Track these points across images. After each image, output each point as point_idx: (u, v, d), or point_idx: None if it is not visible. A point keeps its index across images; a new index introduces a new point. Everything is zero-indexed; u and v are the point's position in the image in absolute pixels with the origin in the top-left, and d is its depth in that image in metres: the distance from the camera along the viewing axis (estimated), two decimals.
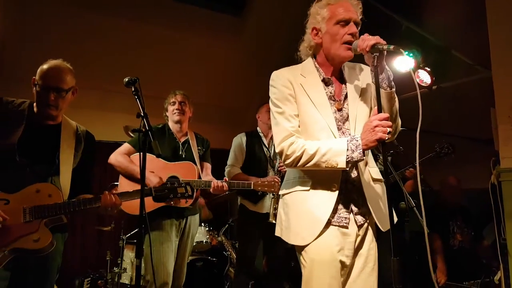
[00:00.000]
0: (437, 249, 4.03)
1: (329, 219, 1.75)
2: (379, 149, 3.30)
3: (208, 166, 3.32)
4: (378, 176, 1.92)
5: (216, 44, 5.03)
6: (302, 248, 1.79)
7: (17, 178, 1.93)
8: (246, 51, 5.16)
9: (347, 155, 1.70)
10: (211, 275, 4.26)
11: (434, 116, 4.36)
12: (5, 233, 1.85)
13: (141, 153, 1.69)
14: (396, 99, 1.85)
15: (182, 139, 3.22)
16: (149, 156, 2.86)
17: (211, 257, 4.34)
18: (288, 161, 1.79)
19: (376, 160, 3.49)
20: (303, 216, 1.79)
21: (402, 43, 4.06)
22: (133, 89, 1.86)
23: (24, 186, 1.94)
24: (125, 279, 4.22)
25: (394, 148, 3.38)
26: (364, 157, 1.74)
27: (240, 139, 3.68)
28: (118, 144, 3.20)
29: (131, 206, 2.70)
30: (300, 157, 1.75)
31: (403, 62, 4.03)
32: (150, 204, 2.75)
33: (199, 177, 3.08)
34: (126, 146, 3.06)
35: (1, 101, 2.04)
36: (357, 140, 1.71)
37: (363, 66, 1.99)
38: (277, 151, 1.83)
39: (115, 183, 3.04)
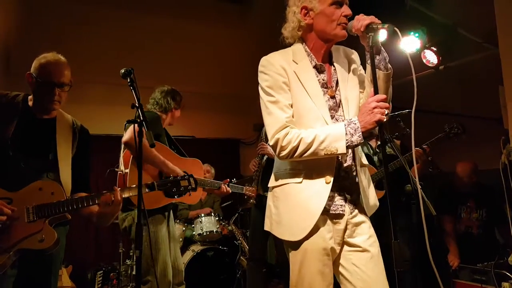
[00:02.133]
0: (449, 232, 3.99)
1: (326, 208, 1.71)
2: (377, 133, 3.28)
3: None
4: (365, 161, 1.90)
5: (222, 33, 5.01)
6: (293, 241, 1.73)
7: (16, 174, 1.89)
8: (253, 38, 5.11)
9: (347, 140, 1.64)
10: (223, 264, 4.28)
11: (442, 97, 4.29)
12: (10, 234, 1.80)
13: (137, 144, 1.68)
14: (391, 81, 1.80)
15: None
16: (164, 146, 2.83)
17: (222, 247, 4.36)
18: (283, 153, 1.70)
19: (386, 143, 3.45)
20: (296, 210, 1.72)
21: (407, 22, 3.97)
22: (128, 80, 1.84)
23: (23, 181, 1.89)
24: None
25: (400, 131, 3.32)
26: (363, 141, 1.70)
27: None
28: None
29: (149, 201, 2.43)
30: (296, 148, 1.67)
31: (407, 43, 3.96)
32: (161, 199, 2.65)
33: None
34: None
35: None
36: (355, 123, 1.65)
37: (346, 48, 1.94)
38: (270, 143, 1.73)
39: (115, 168, 2.87)
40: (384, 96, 1.65)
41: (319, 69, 1.82)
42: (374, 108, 1.62)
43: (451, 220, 4.00)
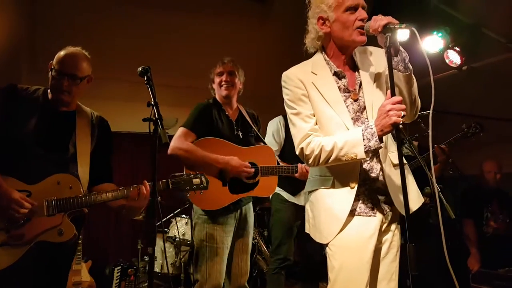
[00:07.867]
0: (470, 235, 3.89)
1: (355, 210, 1.76)
2: (401, 134, 3.23)
3: None
4: (397, 161, 1.84)
5: (242, 32, 4.99)
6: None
7: (35, 167, 1.92)
8: (273, 37, 5.09)
9: (364, 145, 1.66)
10: None
11: (466, 98, 4.18)
12: (30, 227, 1.86)
13: (153, 142, 1.71)
14: (414, 80, 1.79)
15: (235, 116, 2.82)
16: (219, 141, 2.60)
17: None
18: (309, 161, 1.79)
19: (402, 144, 3.39)
20: (325, 214, 1.81)
21: (430, 22, 3.90)
22: (145, 79, 1.87)
23: (42, 174, 1.92)
24: (156, 267, 4.29)
25: (421, 132, 3.26)
26: (382, 144, 1.69)
27: (277, 122, 3.52)
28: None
29: (211, 200, 2.48)
30: (319, 156, 1.74)
31: (430, 42, 3.88)
32: (228, 197, 2.56)
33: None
34: (183, 131, 2.58)
35: (15, 88, 2.03)
36: (372, 128, 1.66)
37: (373, 48, 1.93)
38: (297, 153, 1.83)
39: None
40: (399, 98, 1.64)
41: (339, 75, 1.86)
42: (389, 110, 1.62)
43: (473, 223, 3.91)
